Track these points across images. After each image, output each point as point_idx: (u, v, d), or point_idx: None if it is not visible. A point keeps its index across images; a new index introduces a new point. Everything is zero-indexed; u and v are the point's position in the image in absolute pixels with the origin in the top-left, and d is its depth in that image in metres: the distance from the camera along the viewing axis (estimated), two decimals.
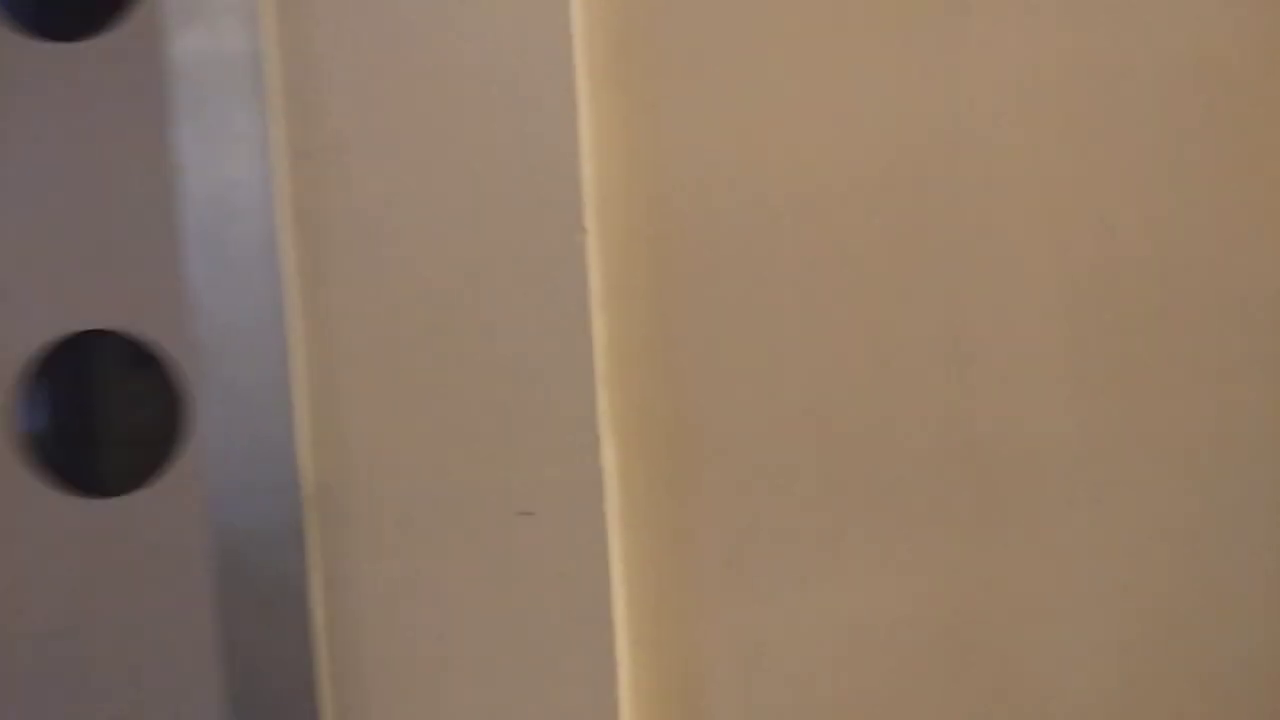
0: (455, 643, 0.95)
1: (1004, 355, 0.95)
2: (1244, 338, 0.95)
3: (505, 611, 0.95)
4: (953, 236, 0.94)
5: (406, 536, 0.95)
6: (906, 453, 0.96)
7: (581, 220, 0.92)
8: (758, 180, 0.95)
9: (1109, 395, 0.95)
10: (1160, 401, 0.95)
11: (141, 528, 0.96)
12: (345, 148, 0.93)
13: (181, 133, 0.92)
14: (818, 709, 0.98)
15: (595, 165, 0.93)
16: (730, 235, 0.95)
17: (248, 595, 0.95)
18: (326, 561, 0.96)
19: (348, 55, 0.92)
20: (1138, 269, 0.94)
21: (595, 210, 0.94)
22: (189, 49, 0.91)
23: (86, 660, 0.96)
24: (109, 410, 1.03)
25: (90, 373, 1.01)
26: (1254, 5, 0.92)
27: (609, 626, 0.94)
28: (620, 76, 0.94)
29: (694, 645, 0.98)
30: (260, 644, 0.96)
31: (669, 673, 0.97)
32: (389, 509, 0.95)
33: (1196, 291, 0.94)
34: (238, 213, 0.93)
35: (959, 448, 0.96)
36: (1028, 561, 0.97)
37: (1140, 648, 0.98)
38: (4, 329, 0.94)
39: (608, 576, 0.94)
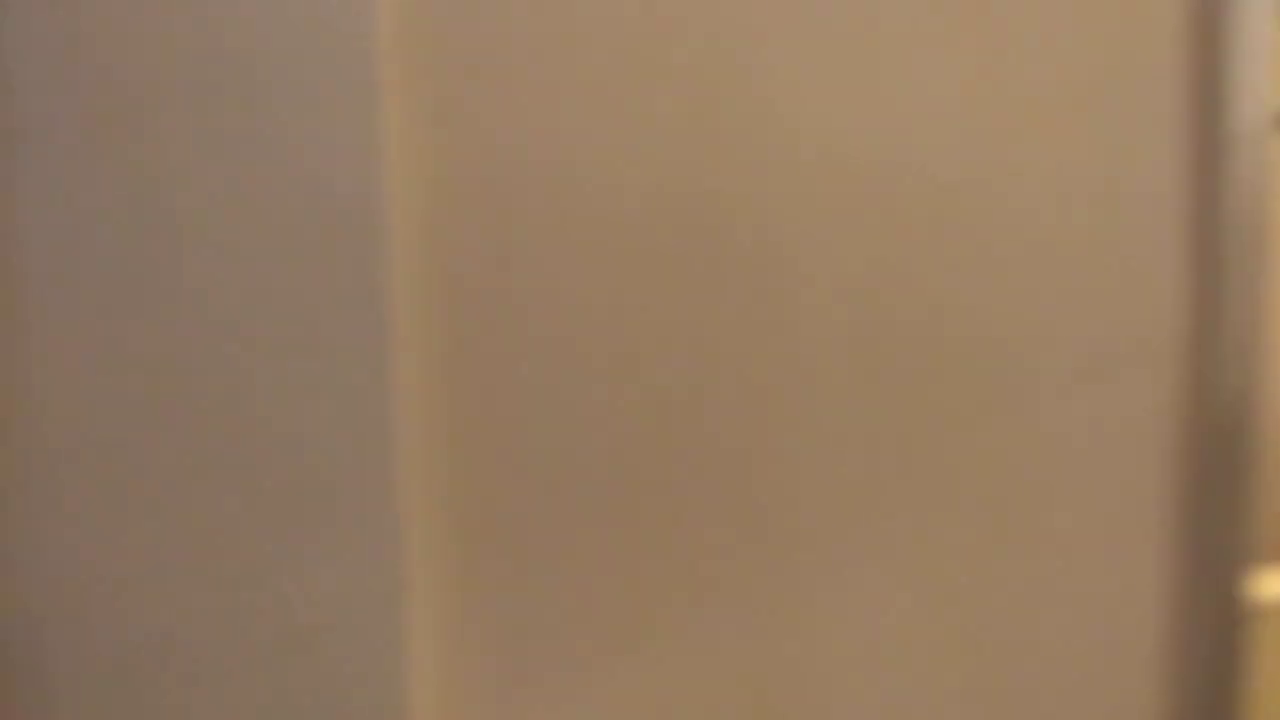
0: None
1: (797, 413, 0.89)
2: (1035, 387, 0.95)
3: None
4: (746, 276, 0.87)
5: (119, 688, 0.63)
6: (698, 519, 0.87)
7: (384, 248, 0.66)
8: (558, 206, 0.80)
9: (901, 447, 0.93)
10: (952, 454, 0.94)
11: None
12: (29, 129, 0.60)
13: None
14: None
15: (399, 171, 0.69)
16: (526, 277, 0.80)
17: None
18: None
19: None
20: (931, 319, 0.92)
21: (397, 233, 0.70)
22: None
23: None
24: None
25: None
26: (1049, 42, 0.93)
27: None
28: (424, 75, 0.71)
29: None
30: None
31: None
32: (88, 651, 0.64)
33: (986, 341, 0.94)
34: None
35: (750, 512, 0.88)
36: (824, 621, 0.92)
37: (942, 697, 0.96)
38: None
39: (405, 701, 0.70)
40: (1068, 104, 0.94)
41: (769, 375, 0.87)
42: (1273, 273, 1.01)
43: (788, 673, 0.91)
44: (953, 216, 0.91)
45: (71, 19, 0.65)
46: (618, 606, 0.85)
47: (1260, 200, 1.00)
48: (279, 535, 0.68)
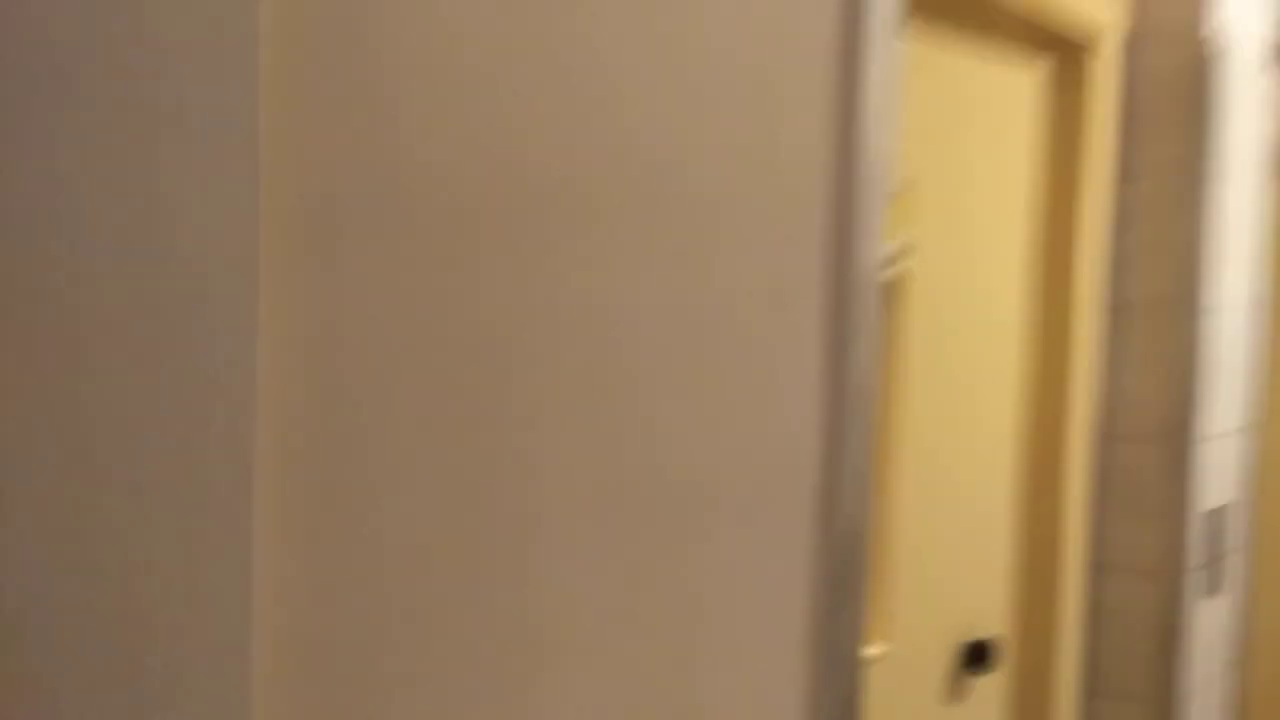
0: None
1: (540, 538, 1.01)
2: (714, 518, 1.14)
3: None
4: (500, 429, 0.97)
5: None
6: (468, 622, 0.96)
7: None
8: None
9: (620, 569, 1.07)
10: (657, 573, 1.10)
11: None
12: None
13: None
14: None
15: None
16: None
17: None
18: None
19: None
20: (647, 467, 1.09)
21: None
22: None
23: None
24: None
25: None
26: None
27: None
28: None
29: None
30: None
31: None
32: None
33: (681, 484, 1.12)
34: None
35: (500, 633, 0.99)
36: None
37: None
38: None
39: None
40: (732, 293, 1.14)
41: (522, 504, 0.97)
42: (879, 415, 1.29)
43: None
44: (657, 394, 1.08)
45: None
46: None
47: (873, 359, 1.28)
48: (141, 537, 0.77)
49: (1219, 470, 2.29)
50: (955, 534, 2.02)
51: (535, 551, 0.99)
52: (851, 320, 1.23)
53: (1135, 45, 2.24)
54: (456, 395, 0.92)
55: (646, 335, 1.07)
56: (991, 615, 2.15)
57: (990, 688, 2.15)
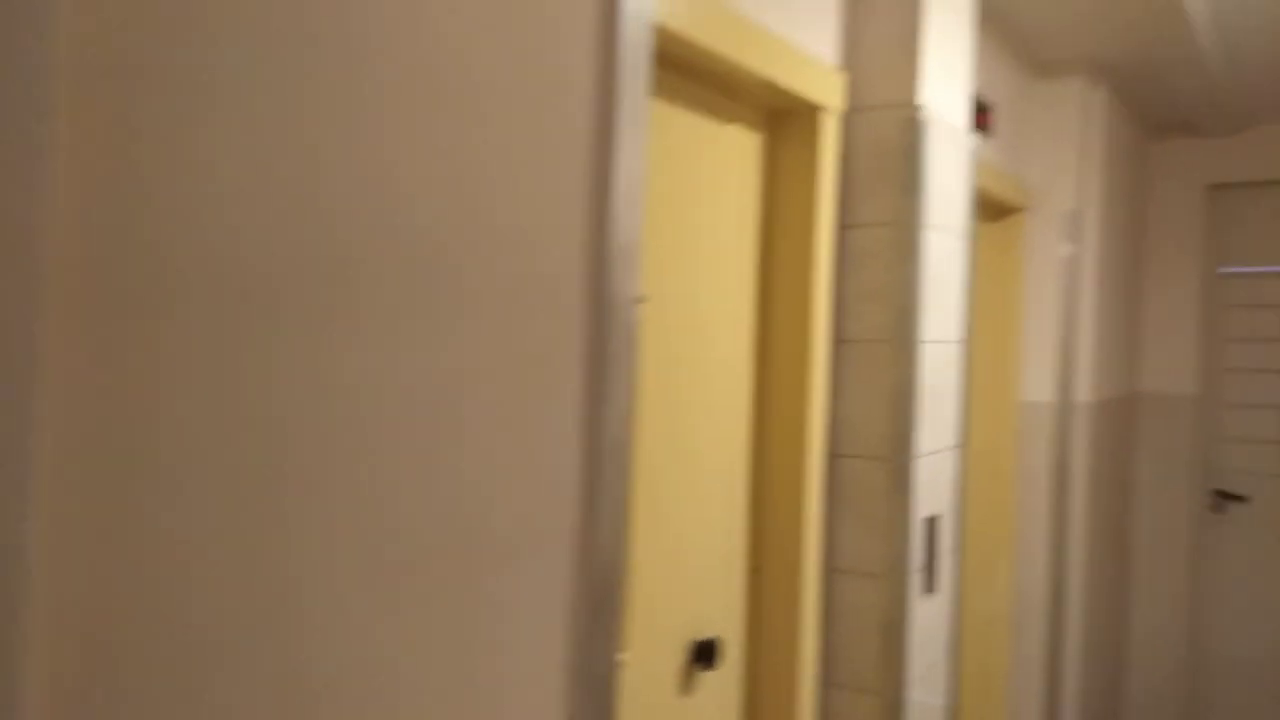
0: None
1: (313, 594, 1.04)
2: (481, 562, 1.21)
3: None
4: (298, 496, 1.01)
5: None
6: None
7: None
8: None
9: (399, 615, 1.12)
10: (431, 616, 1.15)
11: None
12: None
13: None
14: None
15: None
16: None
17: None
18: None
19: None
20: (421, 523, 1.14)
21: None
22: None
23: None
24: None
25: None
26: None
27: None
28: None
29: None
30: None
31: None
32: None
33: (456, 536, 1.18)
34: None
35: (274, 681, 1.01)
36: None
37: None
38: None
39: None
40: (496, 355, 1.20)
41: (304, 564, 1.01)
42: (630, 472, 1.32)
43: None
44: (433, 455, 1.12)
45: None
46: None
47: (628, 411, 1.39)
48: None
49: (933, 483, 2.51)
50: (681, 548, 2.15)
51: (315, 605, 1.02)
52: (608, 377, 1.34)
53: (855, 115, 2.45)
54: (237, 465, 0.95)
55: (424, 403, 1.11)
56: (717, 617, 2.30)
57: (718, 680, 2.31)
